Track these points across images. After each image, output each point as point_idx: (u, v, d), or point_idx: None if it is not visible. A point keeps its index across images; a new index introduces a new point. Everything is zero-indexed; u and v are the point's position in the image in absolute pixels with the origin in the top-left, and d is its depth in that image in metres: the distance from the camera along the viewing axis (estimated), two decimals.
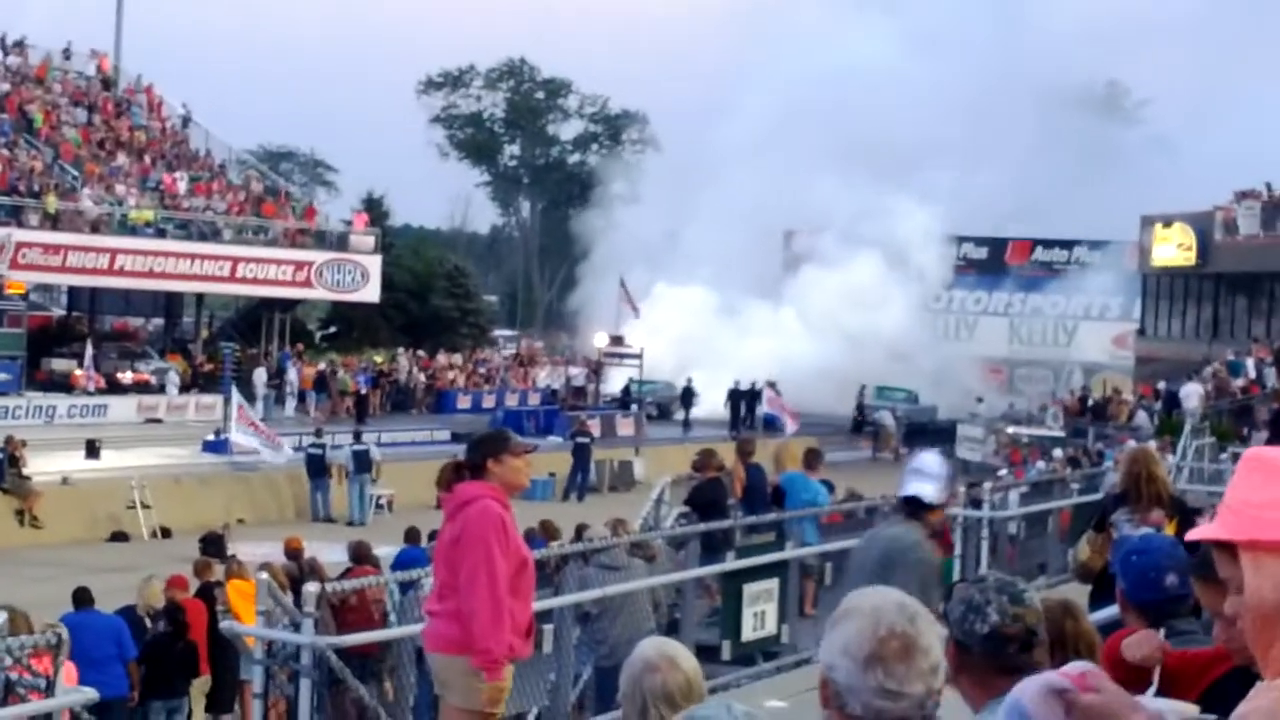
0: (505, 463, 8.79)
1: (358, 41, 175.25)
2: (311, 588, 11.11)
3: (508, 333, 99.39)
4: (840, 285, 76.68)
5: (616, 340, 66.12)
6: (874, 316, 75.18)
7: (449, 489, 8.90)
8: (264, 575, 11.92)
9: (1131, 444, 40.66)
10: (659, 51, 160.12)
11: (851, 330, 74.11)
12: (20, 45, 65.52)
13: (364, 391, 60.62)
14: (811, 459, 19.94)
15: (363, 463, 43.29)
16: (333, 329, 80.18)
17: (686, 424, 64.78)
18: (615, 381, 69.49)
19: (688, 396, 66.48)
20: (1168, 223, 67.04)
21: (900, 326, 76.75)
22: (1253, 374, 51.64)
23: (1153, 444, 23.88)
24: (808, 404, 68.78)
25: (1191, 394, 48.32)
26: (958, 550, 19.30)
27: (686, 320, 74.92)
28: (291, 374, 60.03)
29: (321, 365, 63.37)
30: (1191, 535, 3.08)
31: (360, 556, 20.19)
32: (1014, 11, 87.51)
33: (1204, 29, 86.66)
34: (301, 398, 59.73)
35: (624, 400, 66.66)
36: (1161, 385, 53.64)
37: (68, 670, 10.69)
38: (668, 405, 67.87)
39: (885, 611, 3.46)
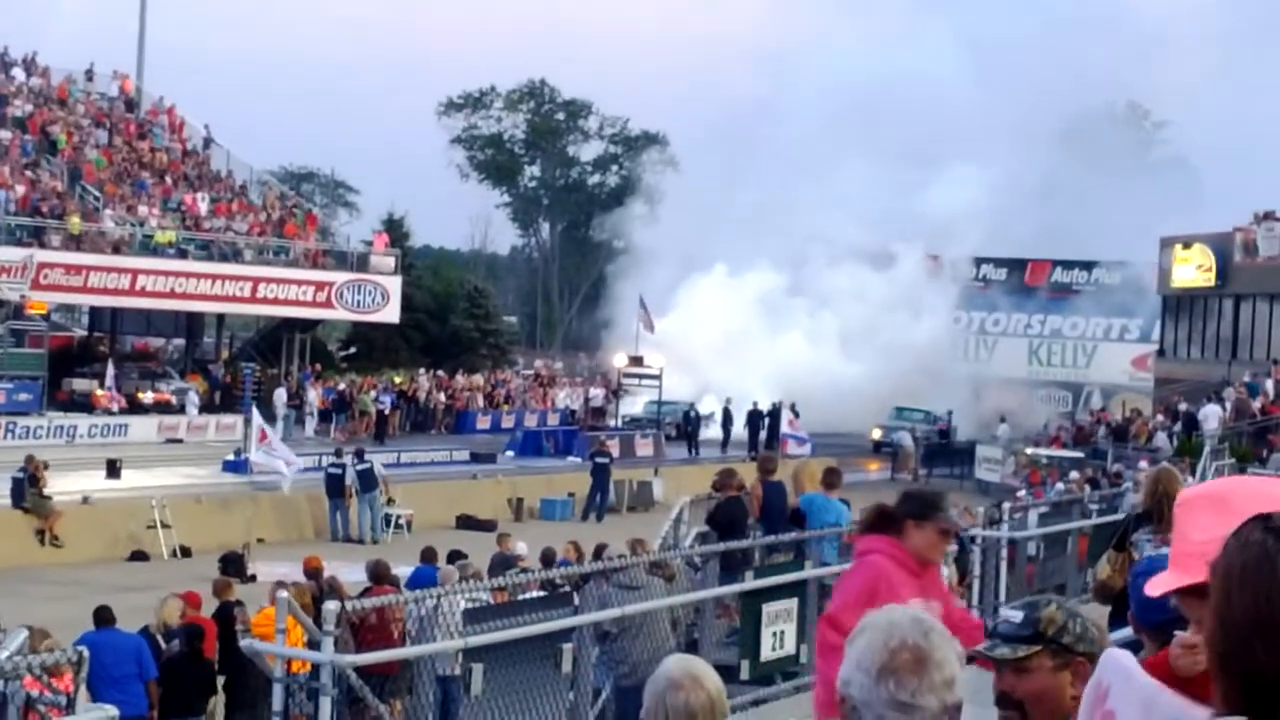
0: (924, 531, 8.07)
1: (379, 63, 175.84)
2: (331, 606, 11.13)
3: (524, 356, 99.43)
4: (874, 293, 76.95)
5: (636, 361, 66.10)
6: (906, 329, 75.35)
7: (863, 532, 8.38)
8: (284, 594, 11.95)
9: (1147, 465, 40.67)
10: (678, 73, 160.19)
11: (883, 342, 74.16)
12: (42, 67, 65.82)
13: (385, 411, 60.72)
14: (831, 478, 19.89)
15: (368, 481, 43.22)
16: (353, 349, 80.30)
17: (725, 443, 64.51)
18: (636, 402, 69.49)
19: (726, 419, 66.21)
20: (1187, 244, 66.97)
21: (929, 343, 76.76)
22: (1271, 395, 51.53)
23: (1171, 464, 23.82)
24: (833, 422, 68.91)
25: (1210, 415, 48.25)
26: (976, 571, 19.29)
27: (727, 314, 74.76)
28: (311, 394, 60.14)
29: (341, 385, 63.50)
30: (1153, 589, 3.12)
31: (379, 576, 20.22)
32: (1034, 32, 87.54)
33: (1223, 50, 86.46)
34: (323, 417, 59.83)
35: (685, 422, 66.05)
36: (1182, 406, 53.53)
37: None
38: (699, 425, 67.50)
39: (898, 625, 3.48)
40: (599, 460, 50.79)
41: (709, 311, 75.57)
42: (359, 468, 43.41)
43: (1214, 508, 2.85)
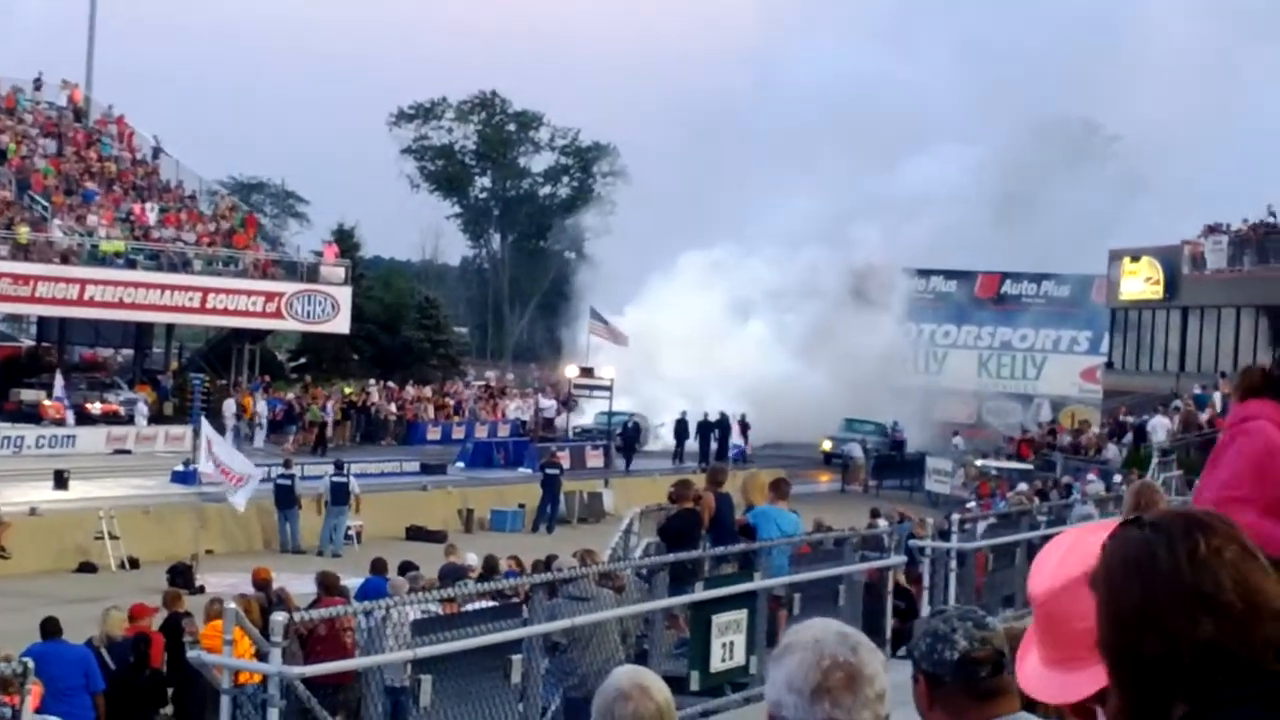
0: None
1: (328, 73, 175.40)
2: (279, 617, 11.09)
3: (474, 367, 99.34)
4: (818, 309, 77.06)
5: (587, 372, 66.07)
6: (859, 338, 75.52)
7: (1242, 398, 7.34)
8: (230, 605, 11.92)
9: (1096, 477, 40.85)
10: (629, 83, 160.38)
11: (839, 351, 74.30)
12: None
13: (326, 422, 60.58)
14: (780, 488, 19.84)
15: (340, 494, 43.21)
16: (302, 360, 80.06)
17: (678, 454, 64.47)
18: (587, 414, 69.46)
19: (679, 429, 66.18)
20: (1135, 257, 67.32)
21: (881, 353, 76.94)
22: (1219, 407, 51.80)
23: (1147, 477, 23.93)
24: (785, 431, 69.17)
25: (1158, 427, 48.52)
26: (926, 582, 19.35)
27: (688, 319, 74.78)
28: (260, 405, 59.91)
29: (290, 396, 63.35)
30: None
31: (329, 587, 20.20)
32: (989, 45, 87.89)
33: (1176, 67, 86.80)
34: (273, 428, 59.62)
35: (621, 434, 65.87)
36: (1129, 418, 53.80)
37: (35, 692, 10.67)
38: (638, 437, 67.48)
39: (826, 643, 3.47)
40: (549, 471, 50.77)
41: (670, 316, 75.54)
42: (335, 479, 43.38)
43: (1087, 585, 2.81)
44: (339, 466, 44.63)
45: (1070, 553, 3.15)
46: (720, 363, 73.03)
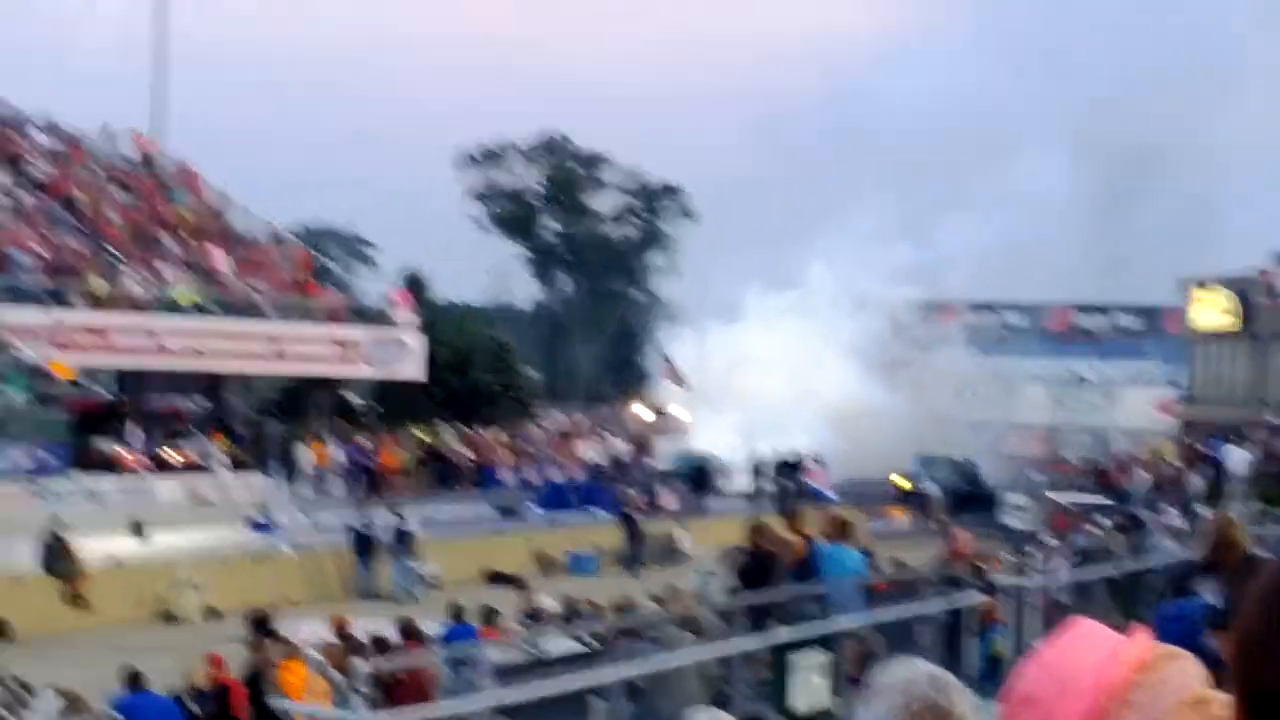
0: None
1: (394, 118, 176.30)
2: (360, 664, 11.16)
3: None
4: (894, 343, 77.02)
5: (660, 412, 66.07)
6: (931, 376, 75.37)
7: None
8: (314, 653, 11.98)
9: (1176, 511, 40.56)
10: (691, 123, 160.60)
11: (910, 389, 74.17)
12: (60, 127, 66.15)
13: (394, 466, 60.85)
14: (845, 529, 19.76)
15: (403, 539, 43.50)
16: (372, 405, 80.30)
17: (755, 495, 64.20)
18: (661, 454, 69.41)
19: (756, 470, 65.97)
20: (1205, 285, 67.00)
21: (952, 389, 76.71)
22: None
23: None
24: (861, 468, 68.99)
25: (1236, 458, 48.20)
26: (1010, 621, 19.26)
27: (774, 350, 74.76)
28: (336, 452, 60.15)
29: (364, 442, 63.56)
30: None
31: (409, 633, 20.26)
32: (1041, 69, 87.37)
33: (1238, 84, 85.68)
34: (347, 475, 59.82)
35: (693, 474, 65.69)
36: (1206, 450, 53.47)
37: None
38: (709, 477, 67.31)
39: (916, 684, 3.49)
40: (629, 513, 50.86)
41: (749, 353, 75.49)
42: (399, 526, 43.67)
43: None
44: (396, 512, 44.84)
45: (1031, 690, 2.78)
46: (799, 400, 72.90)
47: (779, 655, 16.21)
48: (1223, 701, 2.60)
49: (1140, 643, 2.70)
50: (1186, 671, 2.67)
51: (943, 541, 22.25)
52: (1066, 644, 2.78)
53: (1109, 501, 52.13)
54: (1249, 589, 2.61)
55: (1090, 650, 2.71)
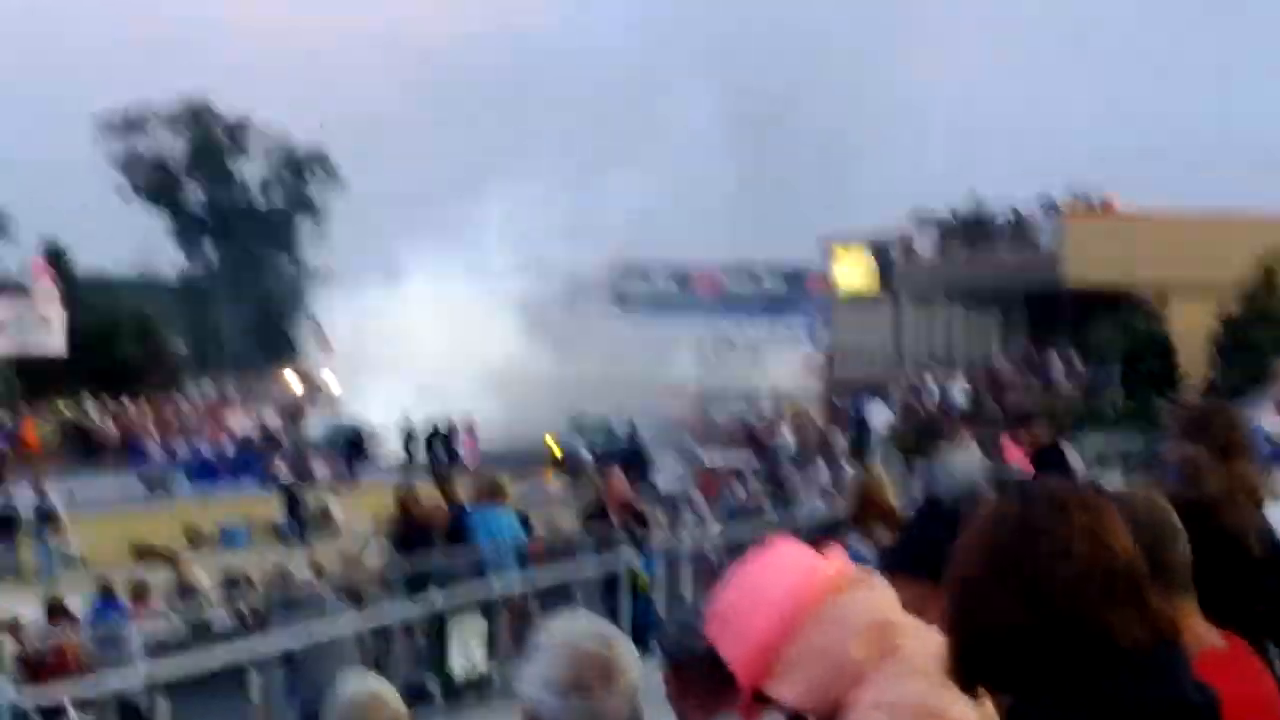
0: None
1: (28, 83, 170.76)
2: (6, 642, 10.90)
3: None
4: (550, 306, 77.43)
5: (309, 381, 65.47)
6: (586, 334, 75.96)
7: None
8: None
9: (824, 467, 41.59)
10: (339, 88, 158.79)
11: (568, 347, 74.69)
12: None
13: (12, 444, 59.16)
14: (496, 492, 19.79)
15: (44, 516, 42.43)
16: (16, 380, 78.06)
17: (408, 463, 63.89)
18: (313, 424, 68.77)
19: (407, 438, 65.81)
20: (847, 246, 68.69)
21: (606, 350, 77.47)
22: (936, 395, 53.12)
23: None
24: (514, 433, 69.21)
25: (878, 414, 49.58)
26: (663, 580, 19.56)
27: (420, 322, 74.25)
28: None
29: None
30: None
31: (55, 611, 19.82)
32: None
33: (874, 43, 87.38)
34: None
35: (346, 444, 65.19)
36: (848, 408, 54.88)
37: None
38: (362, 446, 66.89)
39: (580, 638, 3.56)
40: (285, 483, 50.37)
41: (401, 318, 75.09)
42: (40, 504, 42.52)
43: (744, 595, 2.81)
44: (38, 489, 43.72)
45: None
46: (459, 364, 72.80)
47: (437, 622, 16.24)
48: (905, 627, 2.68)
49: (835, 565, 2.77)
50: (875, 597, 2.75)
51: (596, 491, 22.40)
52: (764, 563, 2.85)
53: (757, 462, 53.12)
54: (965, 536, 2.70)
55: (786, 570, 2.78)
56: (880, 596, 2.75)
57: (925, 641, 2.68)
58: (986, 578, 2.61)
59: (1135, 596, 2.62)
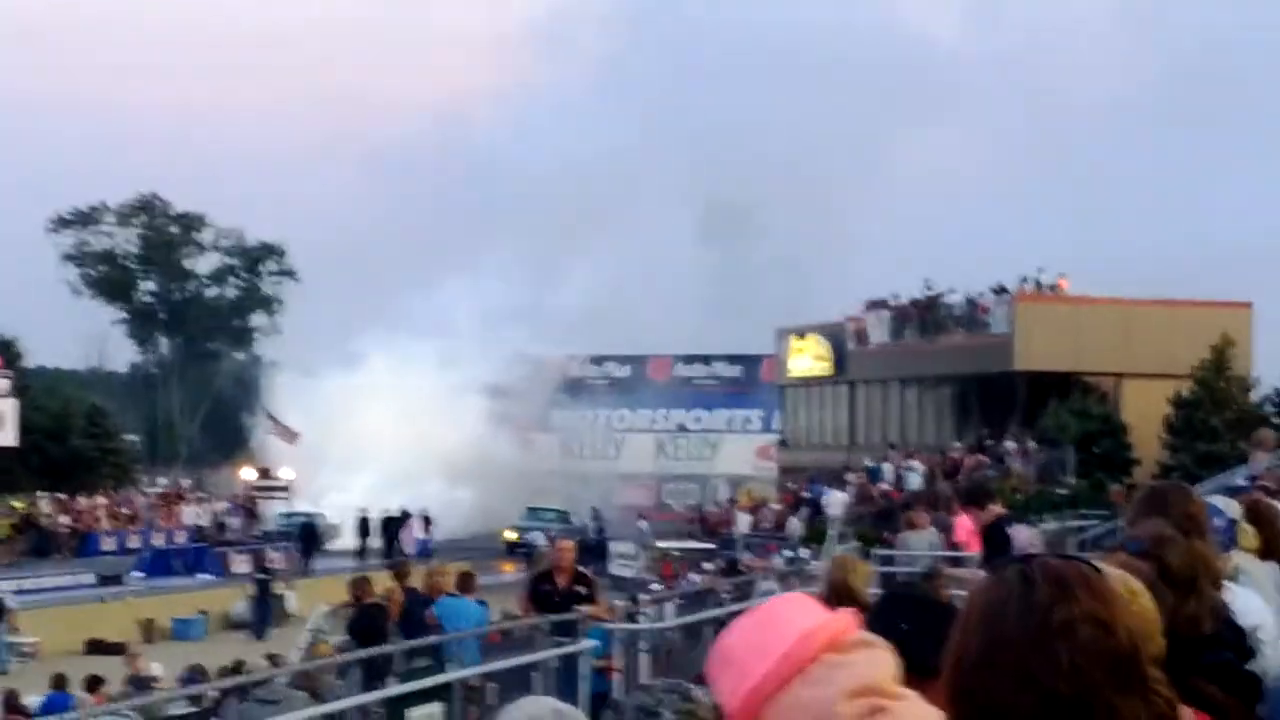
0: None
1: None
2: None
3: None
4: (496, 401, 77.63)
5: (264, 473, 65.28)
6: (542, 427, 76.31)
7: None
8: None
9: (776, 553, 41.59)
10: (291, 181, 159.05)
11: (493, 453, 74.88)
12: None
13: None
14: (466, 582, 20.06)
15: None
16: None
17: (361, 552, 63.73)
18: (267, 516, 68.53)
19: (362, 527, 65.72)
20: (801, 334, 68.92)
21: (561, 442, 77.75)
22: (891, 480, 53.21)
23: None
24: (474, 521, 69.16)
25: (834, 501, 49.63)
26: (619, 664, 19.50)
27: (379, 414, 74.25)
28: None
29: None
30: None
31: (9, 704, 19.69)
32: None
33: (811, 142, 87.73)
34: None
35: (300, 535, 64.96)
36: (805, 494, 54.94)
37: None
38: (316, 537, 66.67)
39: (540, 716, 3.57)
40: (259, 575, 50.44)
41: (354, 411, 75.01)
42: None
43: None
44: None
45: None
46: (418, 454, 72.85)
47: (394, 710, 16.15)
48: (899, 694, 2.67)
49: (841, 623, 2.76)
50: (875, 660, 2.74)
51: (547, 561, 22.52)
52: (774, 611, 2.86)
53: (713, 547, 53.12)
54: (963, 614, 2.69)
55: (795, 620, 2.77)
56: (880, 661, 2.74)
57: (919, 714, 2.66)
58: (987, 658, 2.61)
59: (1138, 678, 2.62)
